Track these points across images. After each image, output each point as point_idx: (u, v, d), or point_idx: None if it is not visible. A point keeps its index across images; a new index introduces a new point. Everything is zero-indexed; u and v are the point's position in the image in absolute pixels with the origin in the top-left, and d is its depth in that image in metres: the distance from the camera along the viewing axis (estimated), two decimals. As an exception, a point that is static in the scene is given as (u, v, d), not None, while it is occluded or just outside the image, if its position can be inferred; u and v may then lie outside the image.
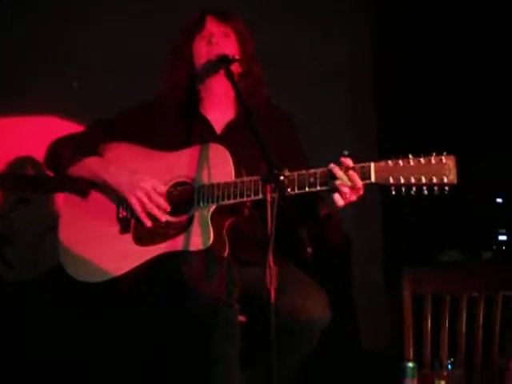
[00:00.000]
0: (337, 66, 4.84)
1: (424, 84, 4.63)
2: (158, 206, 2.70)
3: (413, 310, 3.11)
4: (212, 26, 2.88)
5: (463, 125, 4.38)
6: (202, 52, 2.86)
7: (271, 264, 2.17)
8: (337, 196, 2.49)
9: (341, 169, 2.50)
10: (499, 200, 4.17)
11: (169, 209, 2.71)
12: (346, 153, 2.53)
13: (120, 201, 2.77)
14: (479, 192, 4.02)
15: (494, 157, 4.10)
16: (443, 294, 3.08)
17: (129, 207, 2.74)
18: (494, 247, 4.06)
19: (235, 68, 2.80)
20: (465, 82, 4.48)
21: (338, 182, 2.49)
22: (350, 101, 4.88)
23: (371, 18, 5.12)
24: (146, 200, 2.70)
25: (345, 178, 2.48)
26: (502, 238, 4.08)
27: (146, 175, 2.73)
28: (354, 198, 2.52)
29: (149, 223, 2.71)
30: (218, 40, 2.85)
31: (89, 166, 2.79)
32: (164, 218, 2.70)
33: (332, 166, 2.51)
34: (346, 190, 2.48)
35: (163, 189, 2.71)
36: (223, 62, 2.77)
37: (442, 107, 4.53)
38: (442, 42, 4.60)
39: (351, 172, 2.48)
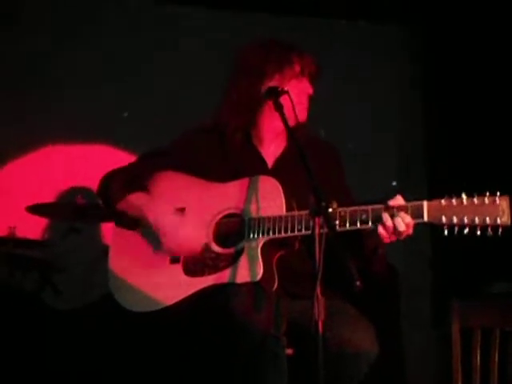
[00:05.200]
0: (387, 101, 4.86)
1: (474, 123, 4.59)
2: None
3: (461, 344, 3.04)
4: (300, 65, 2.84)
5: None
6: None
7: (319, 296, 2.16)
8: (382, 232, 2.49)
9: (391, 210, 2.49)
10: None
11: None
12: (394, 183, 2.53)
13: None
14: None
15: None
16: (493, 327, 3.02)
17: None
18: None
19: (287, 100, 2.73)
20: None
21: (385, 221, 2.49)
22: (398, 133, 4.88)
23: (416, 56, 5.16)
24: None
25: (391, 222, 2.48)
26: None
27: (186, 220, 2.74)
28: (402, 236, 2.51)
29: None
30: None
31: (133, 203, 2.81)
32: None
33: (383, 209, 2.50)
34: (391, 230, 2.48)
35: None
36: (272, 94, 2.74)
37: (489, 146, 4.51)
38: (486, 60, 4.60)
39: (403, 214, 2.47)
